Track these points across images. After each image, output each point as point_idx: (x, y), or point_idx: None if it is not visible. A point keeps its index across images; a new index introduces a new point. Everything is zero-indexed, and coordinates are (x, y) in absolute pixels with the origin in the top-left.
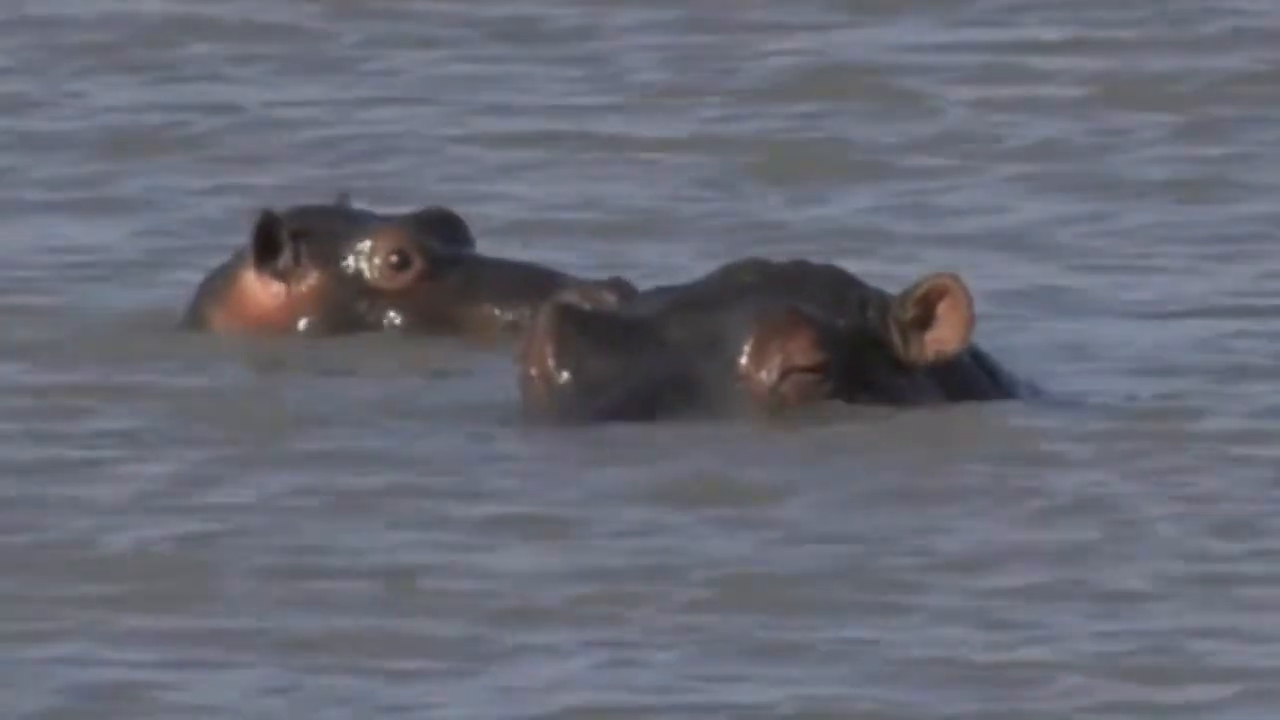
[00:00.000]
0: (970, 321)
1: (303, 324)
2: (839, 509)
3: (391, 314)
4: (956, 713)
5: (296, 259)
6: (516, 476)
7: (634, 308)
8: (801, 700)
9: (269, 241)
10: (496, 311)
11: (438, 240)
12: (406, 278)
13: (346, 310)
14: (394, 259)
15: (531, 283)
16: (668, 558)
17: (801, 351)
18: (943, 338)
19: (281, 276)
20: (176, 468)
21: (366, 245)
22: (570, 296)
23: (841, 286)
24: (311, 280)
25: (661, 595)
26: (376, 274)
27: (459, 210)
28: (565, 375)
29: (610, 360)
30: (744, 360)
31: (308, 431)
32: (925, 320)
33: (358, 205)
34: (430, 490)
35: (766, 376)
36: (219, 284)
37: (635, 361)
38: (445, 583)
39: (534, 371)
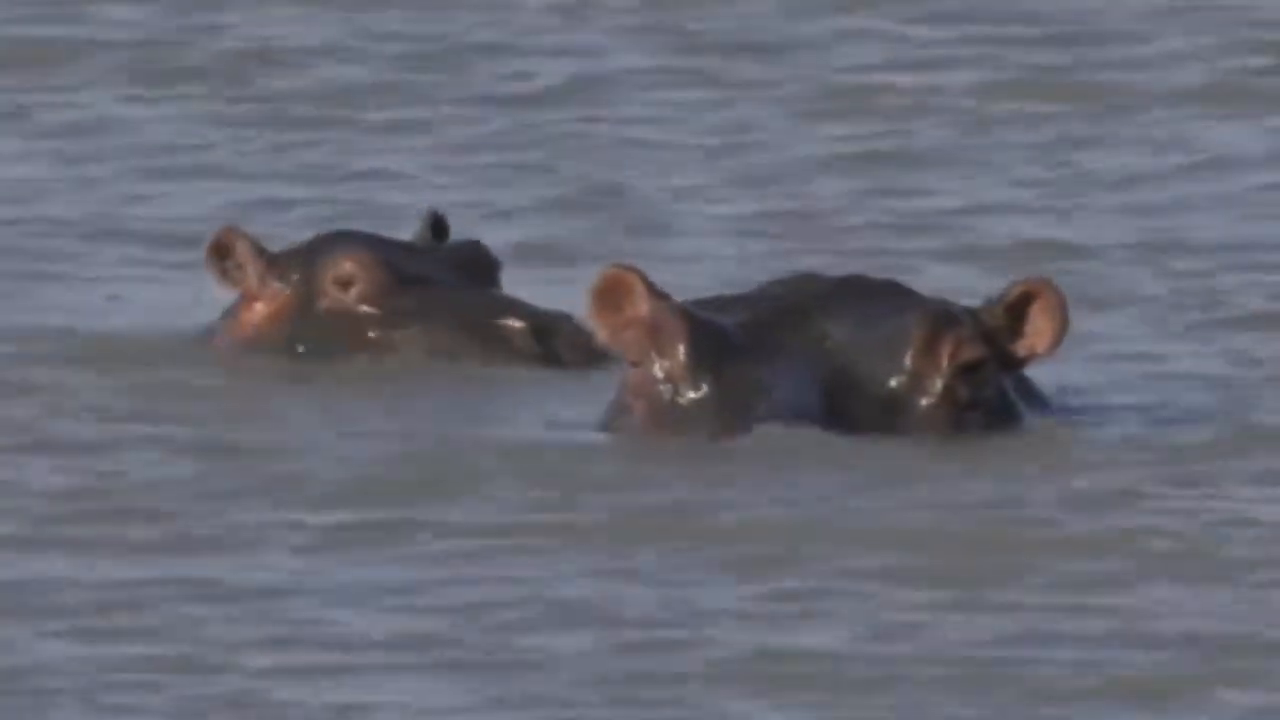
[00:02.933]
0: (1064, 324)
1: (272, 341)
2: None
3: (337, 334)
4: None
5: (263, 278)
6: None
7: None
8: None
9: (224, 256)
10: (422, 337)
11: (443, 270)
12: (349, 299)
13: (305, 329)
14: (340, 279)
15: (470, 313)
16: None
17: (970, 346)
18: (1035, 341)
19: (256, 295)
20: None
21: (321, 265)
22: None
23: (918, 295)
24: (279, 299)
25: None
26: (327, 294)
27: None
28: (704, 384)
29: (749, 369)
30: (910, 359)
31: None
32: (1016, 325)
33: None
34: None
35: (941, 374)
36: (238, 300)
37: (779, 369)
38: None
39: (661, 377)
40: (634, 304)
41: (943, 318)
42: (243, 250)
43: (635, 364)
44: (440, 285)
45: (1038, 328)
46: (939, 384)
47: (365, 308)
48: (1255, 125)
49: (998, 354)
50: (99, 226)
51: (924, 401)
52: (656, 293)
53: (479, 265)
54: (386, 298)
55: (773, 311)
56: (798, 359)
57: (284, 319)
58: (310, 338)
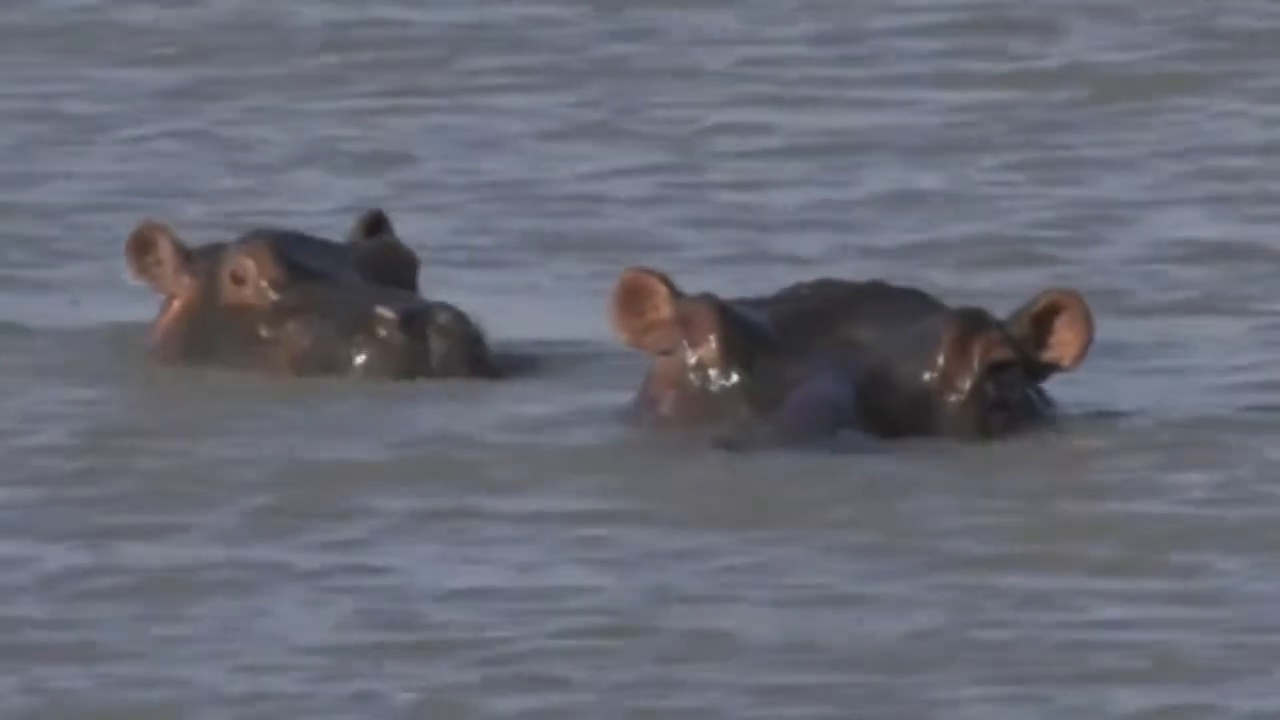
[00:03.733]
0: (1089, 336)
1: (181, 338)
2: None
3: (232, 330)
4: None
5: (177, 275)
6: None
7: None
8: None
9: (145, 251)
10: (301, 334)
11: (350, 268)
12: (244, 294)
13: (206, 325)
14: (236, 274)
15: (346, 306)
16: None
17: (1000, 347)
18: (1059, 353)
19: (173, 293)
20: None
21: (222, 261)
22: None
23: (938, 301)
24: (188, 295)
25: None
26: (225, 290)
27: None
28: (735, 372)
29: (781, 359)
30: (942, 358)
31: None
32: (1041, 336)
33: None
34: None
35: (971, 373)
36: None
37: (811, 360)
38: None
39: (693, 364)
40: (656, 307)
41: (973, 319)
42: (164, 246)
43: (665, 354)
44: (333, 281)
45: (1063, 340)
46: (969, 383)
47: (257, 303)
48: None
49: (1023, 363)
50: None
51: (953, 400)
52: (678, 294)
53: (391, 264)
54: (277, 293)
55: (796, 314)
56: (828, 353)
57: (189, 315)
58: (210, 334)
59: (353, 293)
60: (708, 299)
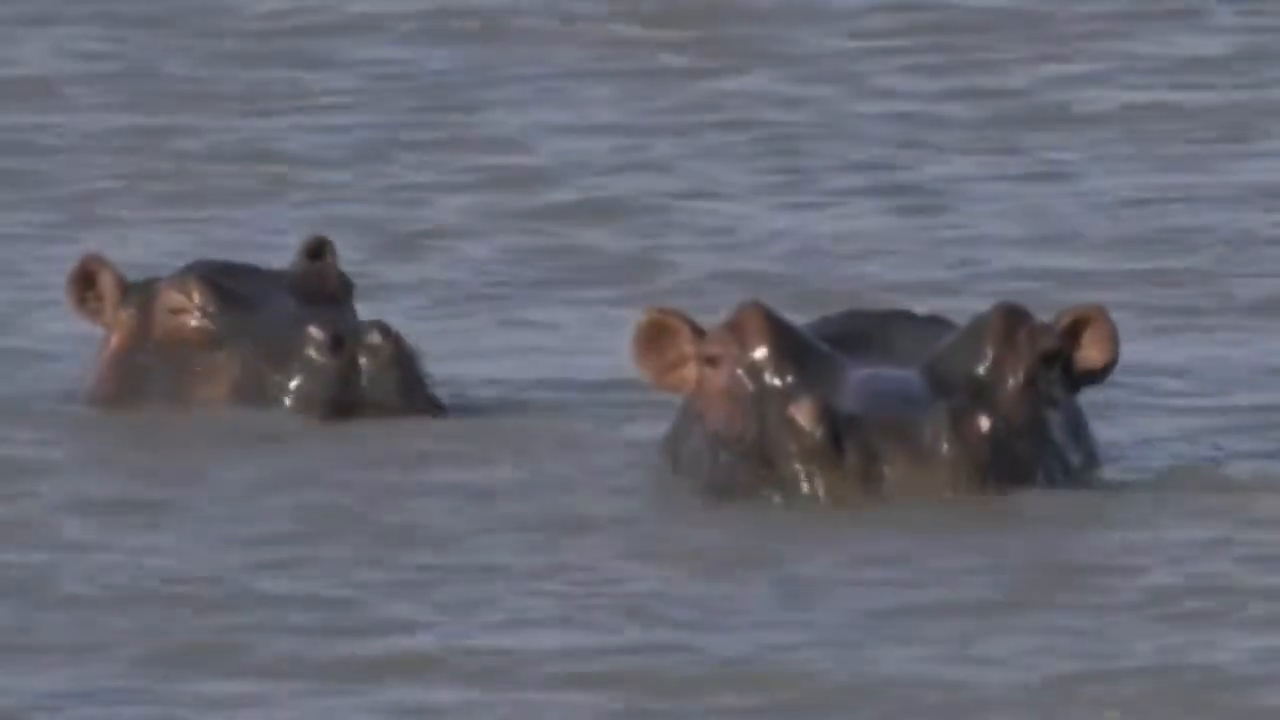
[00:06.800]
0: (1116, 350)
1: (118, 375)
2: None
3: (167, 364)
4: None
5: (116, 310)
6: None
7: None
8: None
9: (87, 285)
10: (232, 361)
11: (283, 295)
12: (179, 326)
13: (141, 359)
14: (170, 306)
15: (275, 330)
16: None
17: (1046, 335)
18: (1088, 368)
19: (112, 328)
20: None
21: (157, 294)
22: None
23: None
24: (124, 330)
25: None
26: (159, 322)
27: None
28: (789, 374)
29: (833, 364)
30: (992, 350)
31: None
32: (1069, 352)
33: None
34: None
35: (1022, 361)
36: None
37: (863, 363)
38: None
39: (747, 368)
40: (677, 346)
41: (1017, 309)
42: (105, 281)
43: (711, 362)
44: (265, 308)
45: (1089, 356)
46: (1022, 372)
47: (192, 335)
48: None
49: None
50: None
51: (1009, 386)
52: (699, 331)
53: (324, 288)
54: (211, 324)
55: (833, 334)
56: (878, 356)
57: (126, 349)
58: (145, 369)
59: (284, 318)
60: (755, 304)
